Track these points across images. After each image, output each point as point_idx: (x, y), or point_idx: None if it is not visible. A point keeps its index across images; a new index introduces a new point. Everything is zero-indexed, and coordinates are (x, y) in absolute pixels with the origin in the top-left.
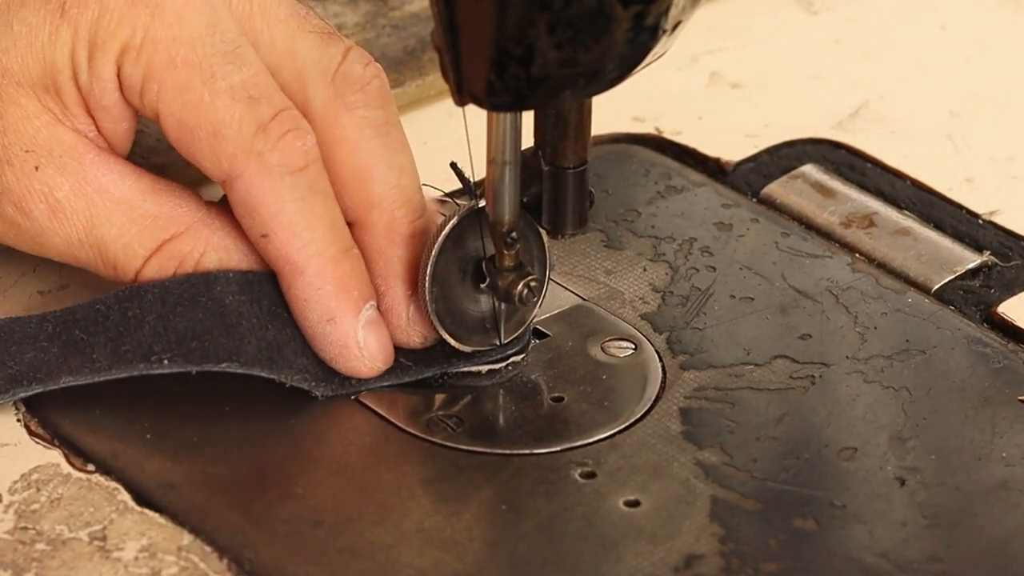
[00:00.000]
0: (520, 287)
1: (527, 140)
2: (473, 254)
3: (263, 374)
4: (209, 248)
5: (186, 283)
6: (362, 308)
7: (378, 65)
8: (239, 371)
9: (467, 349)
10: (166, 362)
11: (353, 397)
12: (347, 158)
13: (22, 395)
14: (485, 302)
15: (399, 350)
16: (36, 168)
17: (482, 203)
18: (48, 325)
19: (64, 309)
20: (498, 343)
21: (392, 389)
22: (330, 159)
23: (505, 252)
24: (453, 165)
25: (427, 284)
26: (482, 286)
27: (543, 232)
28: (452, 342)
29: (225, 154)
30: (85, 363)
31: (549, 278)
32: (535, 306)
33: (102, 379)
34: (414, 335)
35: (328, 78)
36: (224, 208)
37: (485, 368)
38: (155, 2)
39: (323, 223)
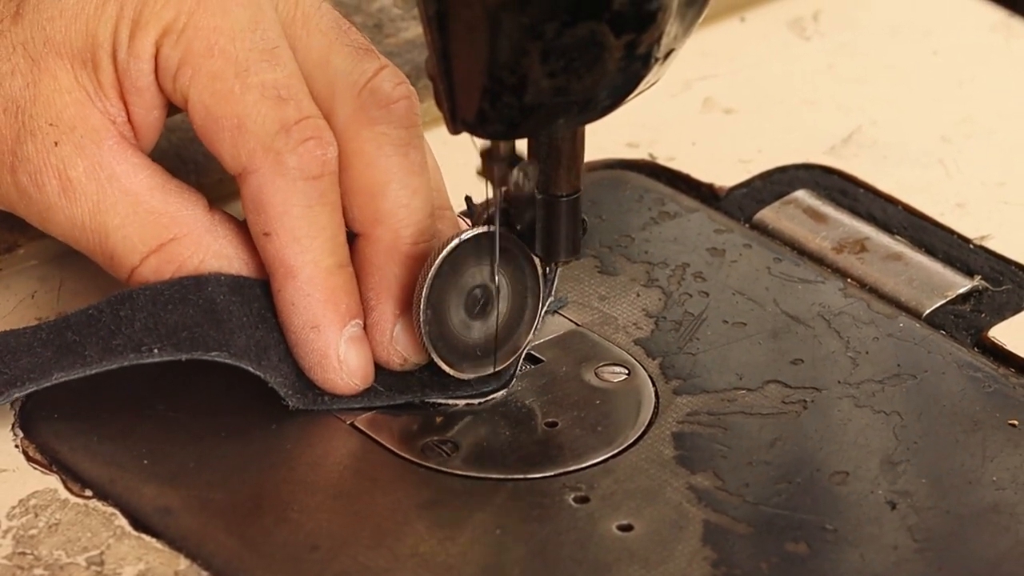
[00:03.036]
0: (515, 173)
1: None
2: (469, 280)
3: (250, 368)
4: (210, 255)
5: (177, 284)
6: (347, 323)
7: (411, 87)
8: (227, 361)
9: (462, 376)
10: (156, 351)
11: (349, 422)
12: (362, 171)
13: (16, 395)
14: (479, 329)
15: (376, 374)
16: (56, 143)
17: (482, 229)
18: (42, 333)
19: (58, 317)
20: (492, 369)
21: (386, 412)
22: (346, 170)
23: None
24: (468, 199)
25: (422, 306)
26: (478, 171)
27: (537, 260)
28: (444, 367)
29: (245, 148)
30: (77, 360)
31: (544, 307)
32: (529, 331)
33: (93, 372)
34: (395, 355)
35: (355, 91)
36: (228, 216)
37: (462, 402)
38: None
39: (325, 234)
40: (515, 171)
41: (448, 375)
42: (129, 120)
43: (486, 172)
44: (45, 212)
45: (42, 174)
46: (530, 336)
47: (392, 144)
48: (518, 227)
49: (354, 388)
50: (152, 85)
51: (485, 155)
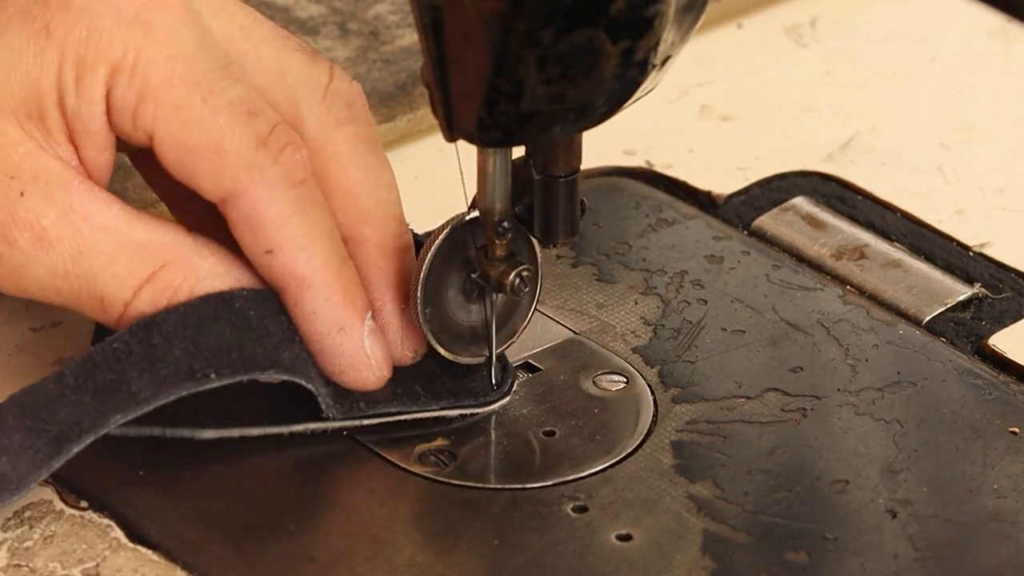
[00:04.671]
0: (512, 277)
1: (517, 151)
2: (464, 265)
3: (302, 382)
4: (203, 276)
5: (202, 304)
6: (365, 317)
7: (357, 83)
8: (284, 377)
9: (461, 360)
10: (213, 376)
11: (345, 433)
12: (339, 174)
13: (75, 450)
14: (476, 313)
15: (411, 378)
16: (22, 194)
17: (472, 214)
18: (67, 379)
19: (78, 361)
20: (489, 354)
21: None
22: (322, 176)
23: (496, 242)
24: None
25: (419, 296)
26: (473, 276)
27: (535, 241)
28: (443, 352)
29: (227, 171)
30: (127, 399)
31: (541, 284)
32: (526, 317)
33: (151, 408)
34: (407, 350)
35: (320, 95)
36: (210, 237)
37: (494, 406)
38: (146, 20)
39: (324, 235)
40: (512, 274)
41: (472, 383)
42: (81, 163)
43: (481, 274)
44: (20, 269)
45: (11, 229)
46: (528, 319)
47: (363, 142)
48: (516, 209)
49: (383, 380)
50: (104, 127)
51: (481, 256)
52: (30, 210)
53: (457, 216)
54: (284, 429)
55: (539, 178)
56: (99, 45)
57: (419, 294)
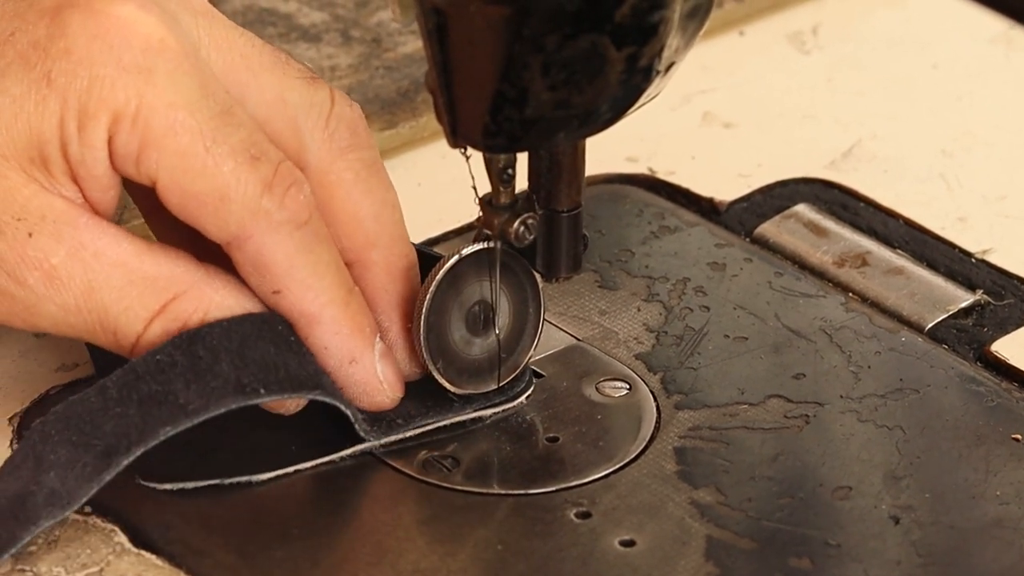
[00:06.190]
0: (516, 225)
1: (521, 183)
2: (468, 298)
3: (340, 406)
4: (212, 307)
5: (245, 322)
6: (374, 343)
7: (358, 104)
8: (326, 399)
9: (461, 391)
10: (262, 391)
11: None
12: (344, 201)
13: (125, 463)
14: (480, 347)
15: (440, 388)
16: (30, 235)
17: (475, 247)
18: (110, 392)
19: (119, 371)
20: (495, 386)
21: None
22: (327, 202)
23: (501, 189)
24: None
25: (423, 329)
26: (477, 223)
27: (537, 275)
28: (447, 385)
29: (233, 217)
30: (176, 411)
31: (544, 320)
32: (531, 346)
33: (200, 420)
34: (414, 366)
35: (323, 123)
36: (220, 267)
37: (523, 397)
38: (147, 67)
39: (330, 270)
40: (516, 222)
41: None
42: (86, 201)
43: (486, 222)
44: (32, 308)
45: (21, 270)
46: (531, 352)
47: (366, 167)
48: (518, 245)
49: (397, 401)
50: (108, 170)
51: (485, 205)
52: (39, 249)
53: (461, 249)
54: (335, 456)
55: (542, 213)
56: (101, 93)
57: (422, 328)
